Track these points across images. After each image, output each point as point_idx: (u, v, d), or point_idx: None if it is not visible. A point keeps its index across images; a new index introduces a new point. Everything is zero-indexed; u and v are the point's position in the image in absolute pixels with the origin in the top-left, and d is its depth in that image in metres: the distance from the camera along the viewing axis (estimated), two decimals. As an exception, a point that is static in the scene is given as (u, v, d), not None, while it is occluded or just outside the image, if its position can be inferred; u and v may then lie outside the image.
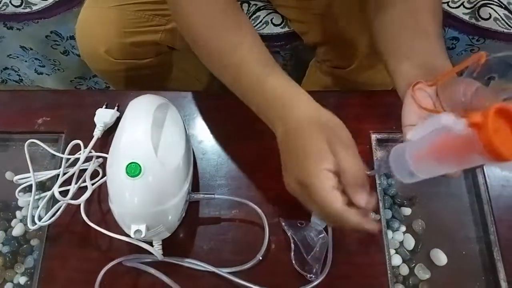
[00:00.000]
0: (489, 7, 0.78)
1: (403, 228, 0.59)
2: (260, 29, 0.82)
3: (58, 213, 0.56)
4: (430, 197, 0.61)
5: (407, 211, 0.60)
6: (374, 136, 0.63)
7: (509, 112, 0.32)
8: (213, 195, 0.56)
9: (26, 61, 1.09)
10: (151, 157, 0.48)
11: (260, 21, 0.81)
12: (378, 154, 0.63)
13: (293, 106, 0.47)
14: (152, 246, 0.52)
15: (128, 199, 0.48)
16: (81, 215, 0.55)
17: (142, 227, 0.48)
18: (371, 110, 0.66)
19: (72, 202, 0.54)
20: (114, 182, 0.49)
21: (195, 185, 0.60)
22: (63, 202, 0.55)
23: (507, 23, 0.77)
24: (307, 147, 0.44)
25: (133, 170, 0.47)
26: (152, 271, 0.53)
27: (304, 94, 0.48)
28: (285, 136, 0.47)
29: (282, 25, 0.81)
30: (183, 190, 0.52)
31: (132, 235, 0.48)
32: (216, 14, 0.51)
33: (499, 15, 0.78)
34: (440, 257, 0.57)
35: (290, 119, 0.47)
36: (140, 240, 0.51)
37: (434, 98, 0.48)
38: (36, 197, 0.58)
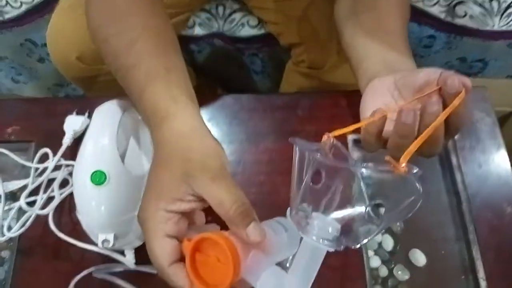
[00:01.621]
0: (465, 5, 0.78)
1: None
2: (237, 32, 0.81)
3: (28, 224, 0.54)
4: (408, 197, 0.60)
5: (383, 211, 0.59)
6: (350, 137, 0.63)
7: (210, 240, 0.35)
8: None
9: (2, 70, 1.07)
10: (117, 165, 0.47)
11: (236, 23, 0.80)
12: (354, 155, 0.62)
13: (162, 124, 0.41)
14: (124, 255, 0.51)
15: (94, 208, 0.47)
16: (51, 227, 0.54)
17: (110, 236, 0.47)
18: (346, 111, 0.65)
19: (40, 212, 0.52)
20: (80, 191, 0.48)
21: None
22: (31, 212, 0.53)
23: (482, 21, 0.77)
24: (157, 177, 0.40)
25: (98, 178, 0.46)
26: (121, 282, 0.51)
27: (184, 111, 0.42)
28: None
29: (258, 27, 0.81)
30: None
31: (100, 244, 0.47)
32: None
33: (475, 13, 0.78)
34: (419, 258, 0.56)
35: (159, 137, 0.41)
36: (111, 250, 0.50)
37: (393, 91, 0.47)
38: (6, 207, 0.57)
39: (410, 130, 0.41)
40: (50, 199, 0.57)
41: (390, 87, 0.47)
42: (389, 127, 0.44)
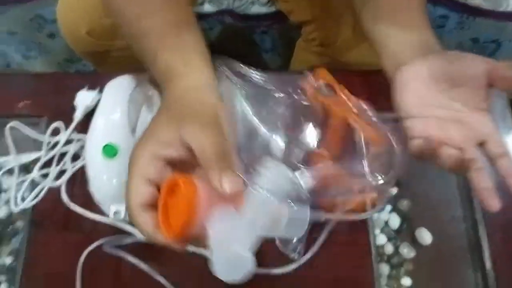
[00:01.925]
0: (480, -15, 0.77)
1: (389, 208, 0.58)
2: (247, 9, 0.81)
3: (40, 195, 0.55)
4: (416, 177, 0.60)
5: (393, 190, 0.59)
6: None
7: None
8: (195, 176, 0.56)
9: (12, 45, 1.08)
10: (127, 138, 0.48)
11: (246, 1, 0.80)
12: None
13: (170, 83, 0.43)
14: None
15: (105, 180, 0.48)
16: (63, 199, 0.55)
17: (121, 208, 0.48)
18: (356, 89, 0.65)
19: (52, 184, 0.54)
20: (92, 163, 0.49)
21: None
22: (44, 184, 0.54)
23: (496, 2, 0.76)
24: (153, 122, 0.40)
25: (110, 151, 0.46)
26: (131, 255, 0.52)
27: (193, 73, 0.44)
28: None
29: (269, 4, 0.80)
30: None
31: (111, 216, 0.48)
32: None
33: (490, -8, 0.76)
34: (425, 236, 0.56)
35: (166, 94, 0.43)
36: (122, 221, 0.51)
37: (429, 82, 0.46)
38: (20, 179, 0.58)
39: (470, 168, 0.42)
40: (62, 172, 0.58)
41: (426, 78, 0.46)
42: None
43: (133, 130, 0.49)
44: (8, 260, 0.57)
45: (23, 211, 0.57)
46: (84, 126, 0.61)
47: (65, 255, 0.55)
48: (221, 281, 0.34)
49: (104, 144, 0.47)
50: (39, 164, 0.56)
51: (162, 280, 0.50)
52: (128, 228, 0.51)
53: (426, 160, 0.45)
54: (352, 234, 0.56)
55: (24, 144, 0.63)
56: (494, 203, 0.41)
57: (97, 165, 0.48)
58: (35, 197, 0.55)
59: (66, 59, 1.12)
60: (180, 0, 0.47)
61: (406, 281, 0.55)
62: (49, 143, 0.59)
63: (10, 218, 0.59)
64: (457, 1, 0.78)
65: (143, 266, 0.52)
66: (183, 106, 0.40)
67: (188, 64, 0.44)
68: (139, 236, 0.52)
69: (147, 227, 0.35)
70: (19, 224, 0.59)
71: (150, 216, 0.35)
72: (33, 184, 0.57)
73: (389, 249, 0.56)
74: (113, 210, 0.48)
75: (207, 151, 0.35)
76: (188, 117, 0.38)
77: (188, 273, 0.54)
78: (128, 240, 0.54)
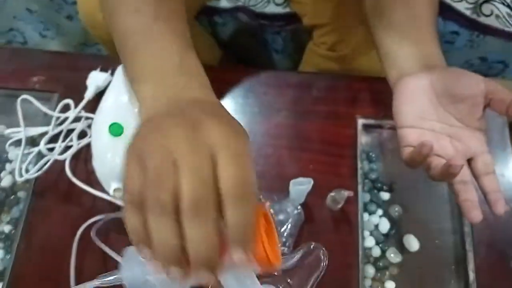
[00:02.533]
0: (492, 4, 0.78)
1: (380, 212, 0.60)
2: (262, 7, 0.83)
3: (45, 168, 0.57)
4: (409, 185, 0.62)
5: (385, 196, 0.61)
6: (360, 121, 0.64)
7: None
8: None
9: (31, 24, 1.10)
10: (133, 119, 0.49)
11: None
12: (362, 139, 0.64)
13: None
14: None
15: (109, 158, 0.49)
16: (66, 173, 0.57)
17: (121, 186, 0.49)
18: (361, 95, 0.67)
19: (58, 157, 0.55)
20: (98, 141, 0.51)
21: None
22: (50, 157, 0.56)
23: (508, 22, 0.77)
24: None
25: (116, 129, 0.48)
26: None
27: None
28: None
29: (284, 5, 0.82)
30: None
31: (111, 192, 0.50)
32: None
33: (501, 13, 0.78)
34: (413, 243, 0.58)
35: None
36: (121, 199, 0.53)
37: (430, 95, 0.47)
38: (26, 151, 0.60)
39: (455, 177, 0.43)
40: (67, 148, 0.60)
41: (427, 91, 0.47)
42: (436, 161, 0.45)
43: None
44: (7, 228, 0.59)
45: (26, 182, 0.59)
46: (93, 106, 0.63)
47: (63, 228, 0.57)
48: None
49: (111, 123, 0.49)
50: (46, 137, 0.58)
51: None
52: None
53: (416, 168, 0.47)
54: (341, 233, 0.57)
55: (34, 118, 0.65)
56: (476, 215, 0.43)
57: (103, 142, 0.50)
58: (39, 169, 0.57)
59: (81, 42, 1.15)
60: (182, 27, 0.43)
61: (390, 284, 0.56)
62: (58, 118, 0.61)
63: (13, 188, 0.61)
64: (468, 17, 0.79)
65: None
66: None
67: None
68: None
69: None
70: (21, 194, 0.61)
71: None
72: (39, 157, 0.60)
73: (376, 252, 0.58)
74: (114, 187, 0.50)
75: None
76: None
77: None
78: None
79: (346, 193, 0.54)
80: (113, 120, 0.49)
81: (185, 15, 0.44)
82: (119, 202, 0.53)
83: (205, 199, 0.27)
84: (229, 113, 0.34)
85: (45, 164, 0.57)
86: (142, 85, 0.38)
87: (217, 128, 0.29)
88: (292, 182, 0.54)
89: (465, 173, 0.45)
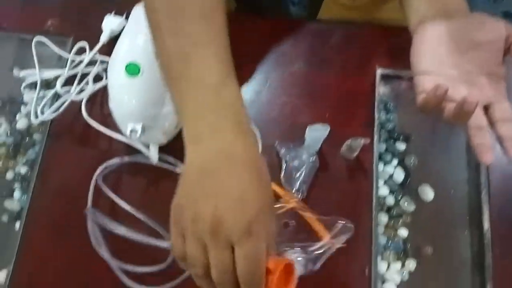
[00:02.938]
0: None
1: (395, 162, 0.59)
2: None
3: (61, 108, 0.57)
4: (426, 136, 0.61)
5: (401, 146, 0.60)
6: (379, 71, 0.63)
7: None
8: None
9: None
10: (150, 59, 0.49)
11: None
12: (380, 89, 0.62)
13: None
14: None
15: (126, 98, 0.49)
16: (82, 115, 0.57)
17: (138, 126, 0.50)
18: (380, 45, 0.65)
19: (74, 97, 0.55)
20: (114, 81, 0.50)
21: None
22: (66, 97, 0.56)
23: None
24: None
25: (132, 69, 0.48)
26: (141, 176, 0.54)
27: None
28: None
29: (302, -48, 0.79)
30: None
31: (127, 133, 0.50)
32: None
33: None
34: (428, 193, 0.58)
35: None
36: (137, 141, 0.53)
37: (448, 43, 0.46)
38: (41, 94, 0.60)
39: (469, 116, 0.42)
40: (82, 91, 0.59)
41: (446, 37, 0.46)
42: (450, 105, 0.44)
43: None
44: (23, 170, 0.60)
45: (42, 124, 0.60)
46: (108, 50, 0.62)
47: (80, 168, 0.57)
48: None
49: (127, 62, 0.48)
50: (61, 79, 0.58)
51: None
52: (142, 147, 0.53)
53: (431, 113, 0.46)
54: (355, 181, 0.57)
55: (48, 61, 0.64)
56: (488, 156, 0.43)
57: (119, 83, 0.49)
58: (56, 110, 0.57)
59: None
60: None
61: (403, 231, 0.56)
62: (73, 61, 0.60)
63: (29, 130, 0.62)
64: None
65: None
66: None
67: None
68: (153, 158, 0.54)
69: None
70: (37, 136, 0.61)
71: None
72: (54, 100, 0.59)
73: (390, 200, 0.58)
74: (130, 128, 0.49)
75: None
76: None
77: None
78: (141, 160, 0.56)
79: (362, 141, 0.54)
80: (129, 59, 0.48)
81: (227, 28, 0.43)
82: (135, 144, 0.53)
83: (227, 280, 0.36)
84: (257, 158, 0.39)
85: (62, 104, 0.57)
86: (181, 117, 0.40)
87: (236, 226, 0.35)
88: (308, 127, 0.53)
89: (480, 119, 0.44)
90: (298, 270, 0.44)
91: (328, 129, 0.53)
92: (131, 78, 0.48)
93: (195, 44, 0.40)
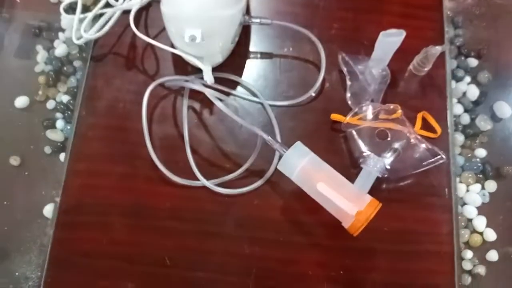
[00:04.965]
0: None
1: (468, 79, 0.55)
2: None
3: (111, 21, 0.52)
4: (499, 49, 0.56)
5: (473, 62, 0.55)
6: None
7: None
8: (270, 21, 0.52)
9: None
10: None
11: None
12: (448, 3, 0.57)
13: None
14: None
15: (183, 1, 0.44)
16: (127, 35, 0.52)
17: (197, 32, 0.45)
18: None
19: (125, 6, 0.51)
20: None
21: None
22: (116, 9, 0.51)
23: None
24: None
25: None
26: (206, 91, 0.49)
27: None
28: None
29: None
30: (240, 3, 0.48)
31: (186, 39, 0.45)
32: None
33: None
34: (504, 110, 0.53)
35: None
36: (193, 56, 0.48)
37: None
38: (81, 16, 0.55)
39: None
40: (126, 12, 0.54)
41: None
42: None
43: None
44: (65, 98, 0.55)
45: (82, 50, 0.55)
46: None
47: (127, 92, 0.53)
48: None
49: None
50: None
51: (237, 118, 0.47)
52: (198, 63, 0.48)
53: None
54: (427, 99, 0.53)
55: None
56: None
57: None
58: (99, 29, 0.52)
59: None
60: None
61: (481, 152, 0.52)
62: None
63: (68, 57, 0.57)
64: None
65: (218, 103, 0.48)
66: None
67: None
68: (209, 78, 0.48)
69: None
70: (77, 63, 0.57)
71: None
72: (94, 22, 0.55)
73: (465, 119, 0.53)
74: (189, 33, 0.45)
75: None
76: None
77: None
78: (193, 86, 0.50)
79: (439, 48, 0.49)
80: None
81: None
82: (192, 59, 0.48)
83: None
84: None
85: (106, 23, 0.52)
86: None
87: None
88: (381, 34, 0.48)
89: None
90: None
91: (404, 34, 0.47)
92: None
93: None
